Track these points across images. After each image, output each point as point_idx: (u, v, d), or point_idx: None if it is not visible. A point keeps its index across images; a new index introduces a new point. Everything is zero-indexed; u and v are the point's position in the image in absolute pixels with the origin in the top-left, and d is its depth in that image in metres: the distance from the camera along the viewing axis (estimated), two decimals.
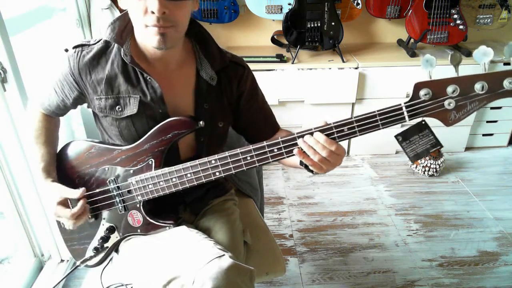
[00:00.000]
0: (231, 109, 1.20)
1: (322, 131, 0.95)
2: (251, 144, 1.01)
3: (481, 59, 0.85)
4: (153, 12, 0.93)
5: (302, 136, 0.96)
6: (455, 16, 2.59)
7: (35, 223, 1.77)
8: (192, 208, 1.29)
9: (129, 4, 0.98)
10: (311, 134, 0.95)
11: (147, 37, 0.99)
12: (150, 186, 1.10)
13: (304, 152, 0.96)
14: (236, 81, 1.17)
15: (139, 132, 1.10)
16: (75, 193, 1.14)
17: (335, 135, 0.95)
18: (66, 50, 1.10)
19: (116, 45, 1.06)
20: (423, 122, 0.92)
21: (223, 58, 1.14)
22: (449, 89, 0.86)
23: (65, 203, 1.15)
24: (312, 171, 1.03)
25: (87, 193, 1.18)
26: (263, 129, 1.24)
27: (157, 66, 1.09)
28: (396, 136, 0.96)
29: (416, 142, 0.95)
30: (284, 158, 0.99)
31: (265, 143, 0.99)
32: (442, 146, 0.94)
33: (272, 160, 1.00)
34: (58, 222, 1.22)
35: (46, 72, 1.76)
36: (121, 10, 1.01)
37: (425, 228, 2.18)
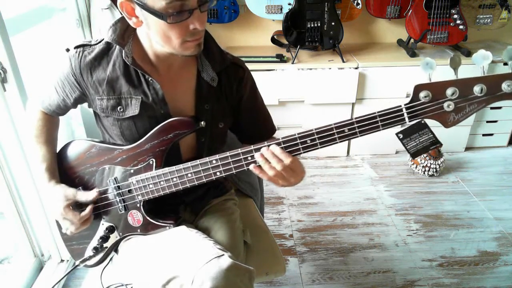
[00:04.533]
0: (232, 110, 1.20)
1: (322, 131, 0.95)
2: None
3: (480, 63, 0.85)
4: (195, 29, 0.95)
5: (302, 138, 0.96)
6: (455, 16, 2.59)
7: (35, 223, 1.77)
8: (192, 208, 1.29)
9: (157, 28, 0.95)
10: (267, 147, 0.99)
11: (183, 50, 0.99)
12: (150, 185, 1.10)
13: (260, 167, 1.00)
14: (236, 83, 1.17)
15: (140, 132, 1.10)
16: (89, 195, 1.15)
17: (336, 136, 0.95)
18: (68, 50, 1.10)
19: (117, 46, 1.07)
20: (423, 122, 0.93)
21: (224, 59, 1.15)
22: (449, 91, 0.87)
23: (70, 205, 1.15)
24: None
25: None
26: (261, 133, 1.24)
27: (160, 67, 1.09)
28: (397, 134, 0.97)
29: (416, 140, 0.96)
30: None
31: (266, 143, 0.99)
32: (441, 144, 0.95)
33: None
34: (58, 223, 1.22)
35: (47, 71, 1.76)
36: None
37: (425, 228, 2.19)
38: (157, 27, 0.95)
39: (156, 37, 0.99)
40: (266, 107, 1.28)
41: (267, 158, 0.99)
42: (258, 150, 1.00)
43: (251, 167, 1.00)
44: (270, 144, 0.99)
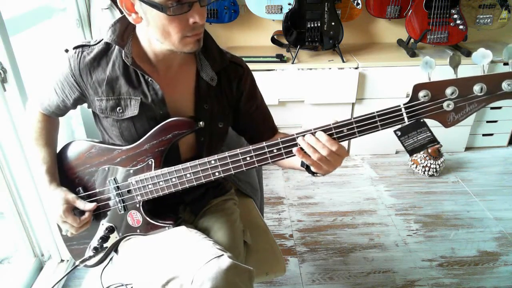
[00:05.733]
0: (231, 109, 1.20)
1: (322, 131, 0.95)
2: (251, 144, 1.01)
3: (480, 61, 0.85)
4: (195, 23, 0.94)
5: (302, 136, 0.96)
6: (455, 16, 2.59)
7: (35, 223, 1.77)
8: (192, 208, 1.29)
9: (156, 22, 0.95)
10: (313, 133, 0.95)
11: (183, 46, 0.99)
12: (149, 186, 1.10)
13: (304, 151, 0.96)
14: (236, 81, 1.17)
15: (139, 133, 1.10)
16: (88, 206, 1.15)
17: (334, 136, 0.95)
18: (66, 51, 1.10)
19: (117, 47, 1.06)
20: (422, 120, 0.93)
21: (223, 58, 1.14)
22: (448, 90, 0.86)
23: (70, 209, 1.15)
24: (313, 173, 1.04)
25: (86, 193, 1.18)
26: (261, 131, 1.24)
27: (159, 67, 1.09)
28: (395, 131, 0.96)
29: (414, 137, 0.96)
30: (283, 158, 0.99)
31: (264, 144, 0.99)
32: (438, 143, 0.95)
33: (272, 160, 1.00)
34: (59, 225, 1.22)
35: (46, 72, 1.76)
36: (121, 11, 1.00)
37: (425, 228, 2.19)
38: (156, 22, 0.95)
39: (155, 33, 0.98)
40: (266, 106, 1.27)
41: (311, 144, 0.95)
42: (256, 150, 1.00)
43: (294, 150, 0.97)
44: (314, 131, 0.95)
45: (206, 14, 0.99)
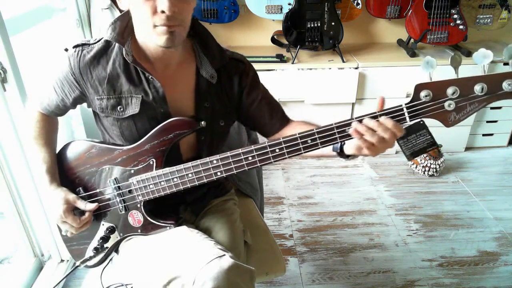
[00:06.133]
0: (233, 107, 1.20)
1: (323, 131, 0.95)
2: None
3: (481, 61, 0.85)
4: (163, 12, 0.93)
5: (304, 137, 0.96)
6: (455, 16, 2.59)
7: (35, 223, 1.77)
8: (192, 208, 1.29)
9: (134, 5, 0.97)
10: (374, 117, 0.91)
11: (155, 37, 0.98)
12: (151, 186, 1.10)
13: (359, 133, 0.92)
14: (237, 77, 1.16)
15: (140, 132, 1.10)
16: (89, 206, 1.15)
17: (337, 136, 0.95)
18: (66, 50, 1.10)
19: (117, 44, 1.06)
20: (421, 122, 0.93)
21: (223, 56, 1.14)
22: (449, 90, 0.87)
23: (70, 209, 1.15)
24: (347, 156, 1.01)
25: (87, 194, 1.18)
26: (270, 123, 1.22)
27: (158, 65, 1.09)
28: None
29: (413, 141, 0.96)
30: (285, 158, 0.99)
31: (266, 143, 0.99)
32: (438, 146, 0.95)
33: (274, 160, 1.00)
34: (59, 226, 1.22)
35: (46, 72, 1.76)
36: (121, 10, 1.00)
37: (425, 228, 2.19)
38: (132, 7, 0.96)
39: (135, 22, 0.99)
40: (272, 97, 1.24)
41: (372, 127, 0.90)
42: (258, 149, 0.99)
43: (351, 130, 0.92)
44: (378, 114, 0.91)
45: (182, 7, 0.96)
